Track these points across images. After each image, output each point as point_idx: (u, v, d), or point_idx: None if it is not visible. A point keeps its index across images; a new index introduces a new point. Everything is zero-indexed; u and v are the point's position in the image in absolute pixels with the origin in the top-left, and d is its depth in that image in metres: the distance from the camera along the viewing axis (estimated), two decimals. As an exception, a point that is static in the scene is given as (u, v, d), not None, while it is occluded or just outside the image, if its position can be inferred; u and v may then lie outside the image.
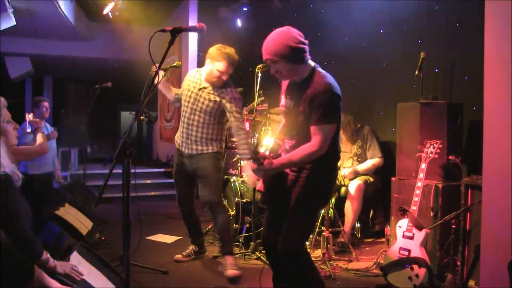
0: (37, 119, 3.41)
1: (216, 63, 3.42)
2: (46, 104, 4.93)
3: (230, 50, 3.47)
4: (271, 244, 2.55)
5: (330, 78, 2.36)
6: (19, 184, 2.11)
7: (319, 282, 2.50)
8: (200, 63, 7.61)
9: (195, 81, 3.59)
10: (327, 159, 2.38)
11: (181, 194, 3.78)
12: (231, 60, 3.44)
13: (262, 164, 2.28)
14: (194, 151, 3.57)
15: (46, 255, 2.09)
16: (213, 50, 3.47)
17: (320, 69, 2.41)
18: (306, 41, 2.36)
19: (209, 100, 3.49)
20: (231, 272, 3.34)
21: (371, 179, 4.37)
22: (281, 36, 2.32)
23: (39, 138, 3.09)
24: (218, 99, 3.48)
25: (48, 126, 5.04)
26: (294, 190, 2.42)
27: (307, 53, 2.37)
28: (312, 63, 2.41)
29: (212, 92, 3.50)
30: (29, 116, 3.57)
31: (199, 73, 3.62)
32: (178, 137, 3.71)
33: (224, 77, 3.46)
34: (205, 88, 3.52)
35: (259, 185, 2.53)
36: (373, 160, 4.38)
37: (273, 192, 2.52)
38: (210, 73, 3.47)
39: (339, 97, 2.33)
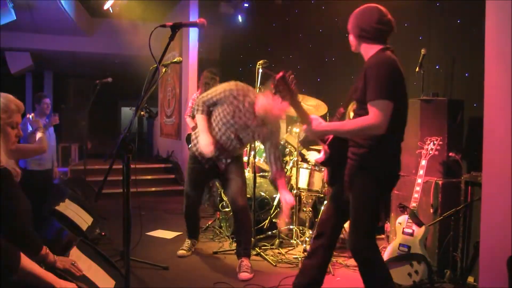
0: (38, 119, 3.43)
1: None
2: (47, 100, 4.99)
3: None
4: (326, 222, 2.54)
5: (388, 57, 2.27)
6: (19, 180, 2.11)
7: (389, 281, 2.36)
8: (200, 60, 7.61)
9: None
10: (386, 142, 2.23)
11: (194, 196, 3.80)
12: None
13: (310, 123, 2.27)
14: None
15: (45, 250, 2.09)
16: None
17: (387, 51, 2.33)
18: (383, 26, 2.33)
19: None
20: (243, 275, 3.36)
21: None
22: (356, 13, 2.41)
23: (39, 137, 3.11)
24: None
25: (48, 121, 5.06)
26: (350, 176, 2.32)
27: (381, 36, 2.35)
28: (384, 45, 2.35)
29: None
30: (30, 117, 3.59)
31: None
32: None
33: None
34: None
35: (320, 155, 2.48)
36: None
37: (334, 172, 2.48)
38: None
39: (395, 73, 2.22)
